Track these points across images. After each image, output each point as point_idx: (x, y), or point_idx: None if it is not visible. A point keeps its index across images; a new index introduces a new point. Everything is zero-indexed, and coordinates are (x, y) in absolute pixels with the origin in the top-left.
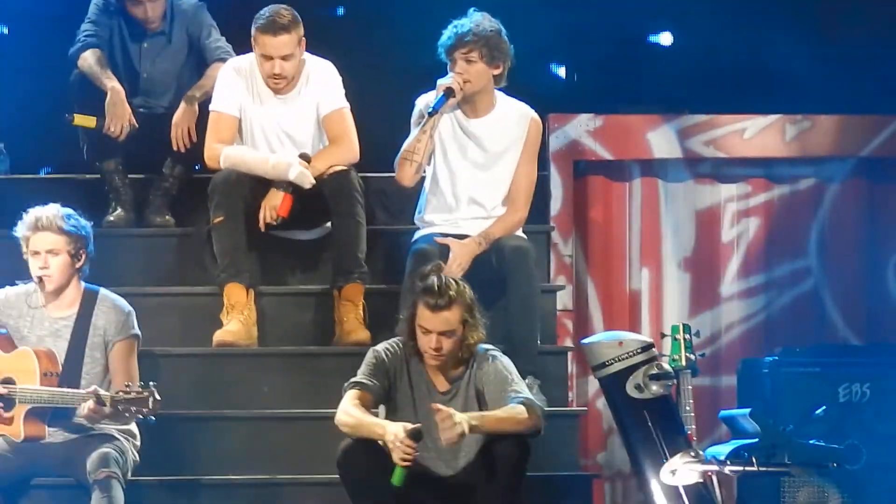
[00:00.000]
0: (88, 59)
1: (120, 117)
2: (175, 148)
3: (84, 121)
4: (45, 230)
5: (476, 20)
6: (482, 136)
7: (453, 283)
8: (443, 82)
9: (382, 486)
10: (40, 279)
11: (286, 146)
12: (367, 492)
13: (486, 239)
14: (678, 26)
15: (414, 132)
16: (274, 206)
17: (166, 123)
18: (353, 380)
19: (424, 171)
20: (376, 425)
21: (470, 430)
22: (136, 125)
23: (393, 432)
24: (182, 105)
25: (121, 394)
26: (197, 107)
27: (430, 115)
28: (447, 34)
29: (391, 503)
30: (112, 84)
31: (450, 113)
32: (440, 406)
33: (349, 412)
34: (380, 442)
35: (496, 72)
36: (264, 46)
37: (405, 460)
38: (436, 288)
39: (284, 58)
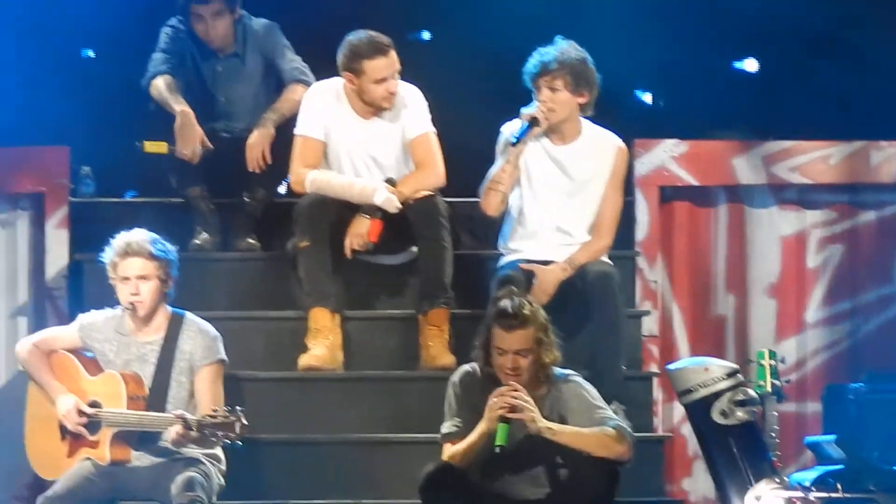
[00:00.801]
0: (159, 86)
1: (190, 140)
2: (250, 169)
3: (155, 147)
4: (136, 255)
5: (562, 48)
6: (568, 163)
7: (526, 303)
8: (526, 111)
9: None
10: (132, 305)
11: (372, 170)
12: None
13: (571, 265)
14: (763, 53)
15: (499, 161)
16: (360, 233)
17: None
18: (442, 431)
19: (509, 199)
20: (478, 427)
21: (544, 431)
22: (210, 146)
23: (490, 399)
24: (258, 128)
25: (207, 418)
26: (273, 129)
27: (513, 145)
28: (532, 61)
29: None
30: (181, 108)
31: (536, 140)
32: (516, 385)
33: (452, 457)
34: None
35: (581, 100)
36: (377, 70)
37: (510, 409)
38: (509, 308)
39: (394, 74)
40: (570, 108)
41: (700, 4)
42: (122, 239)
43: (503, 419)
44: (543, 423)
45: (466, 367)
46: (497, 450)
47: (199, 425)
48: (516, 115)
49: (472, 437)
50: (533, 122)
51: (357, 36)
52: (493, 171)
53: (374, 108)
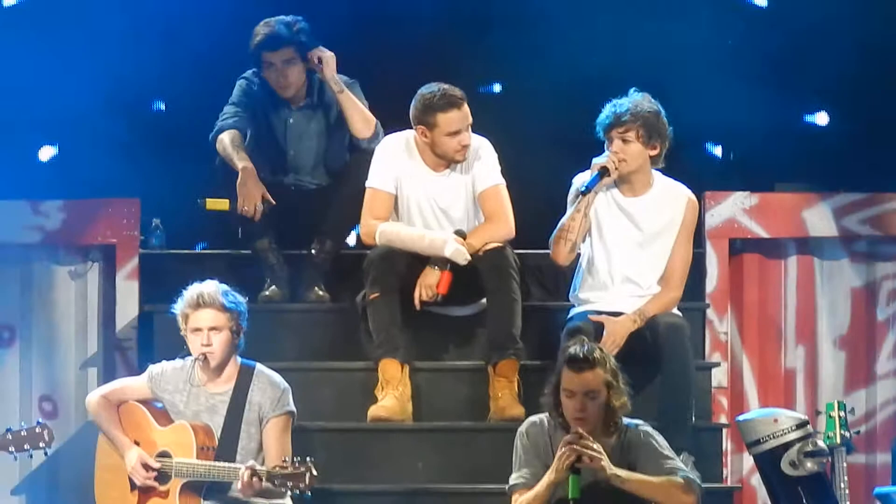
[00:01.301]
0: (224, 141)
1: (252, 196)
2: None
3: (217, 204)
4: (208, 307)
5: (635, 100)
6: (639, 215)
7: (595, 347)
8: (598, 161)
9: None
10: (204, 356)
11: (441, 223)
12: None
13: (640, 316)
14: (834, 106)
15: (569, 210)
16: (430, 284)
17: (318, 200)
18: (510, 482)
19: (580, 249)
20: (546, 477)
21: (613, 478)
22: (272, 202)
23: (559, 453)
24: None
25: (277, 469)
26: (336, 81)
27: (584, 193)
28: (605, 112)
29: None
30: (243, 164)
31: (606, 191)
32: (583, 432)
33: None
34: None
35: (653, 153)
36: (451, 123)
37: (578, 458)
38: (578, 352)
39: (467, 126)
40: (642, 160)
41: (772, 58)
42: (194, 290)
43: (574, 470)
44: (612, 470)
45: (534, 419)
46: (571, 503)
47: (268, 476)
48: (588, 167)
49: (540, 487)
50: (603, 171)
51: (430, 89)
52: (563, 220)
53: (446, 160)
